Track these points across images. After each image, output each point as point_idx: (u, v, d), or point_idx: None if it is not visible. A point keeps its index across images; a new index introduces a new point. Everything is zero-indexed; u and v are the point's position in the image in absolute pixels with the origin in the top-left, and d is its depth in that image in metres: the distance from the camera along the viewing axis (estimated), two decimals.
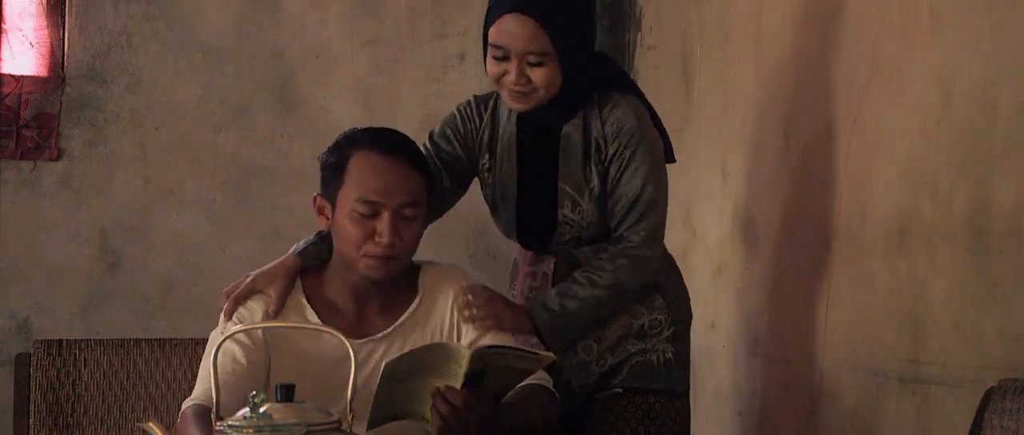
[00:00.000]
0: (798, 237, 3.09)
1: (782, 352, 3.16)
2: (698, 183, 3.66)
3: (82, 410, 2.72)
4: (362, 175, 2.36)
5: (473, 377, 2.16)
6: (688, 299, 2.76)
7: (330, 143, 2.47)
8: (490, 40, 2.51)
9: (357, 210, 2.36)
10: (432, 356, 2.13)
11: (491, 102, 2.68)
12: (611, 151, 2.56)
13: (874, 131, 2.78)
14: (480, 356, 2.13)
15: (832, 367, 2.92)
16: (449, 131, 2.68)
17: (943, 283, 2.53)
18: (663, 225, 2.61)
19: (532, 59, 2.48)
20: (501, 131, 2.66)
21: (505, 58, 2.49)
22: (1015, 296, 2.33)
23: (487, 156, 2.67)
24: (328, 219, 2.42)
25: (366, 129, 2.45)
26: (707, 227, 3.61)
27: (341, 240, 2.39)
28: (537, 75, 2.49)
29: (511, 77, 2.49)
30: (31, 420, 2.69)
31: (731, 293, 3.45)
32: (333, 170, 2.40)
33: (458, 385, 2.14)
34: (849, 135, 2.86)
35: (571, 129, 2.60)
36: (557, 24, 2.48)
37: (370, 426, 2.18)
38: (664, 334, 2.66)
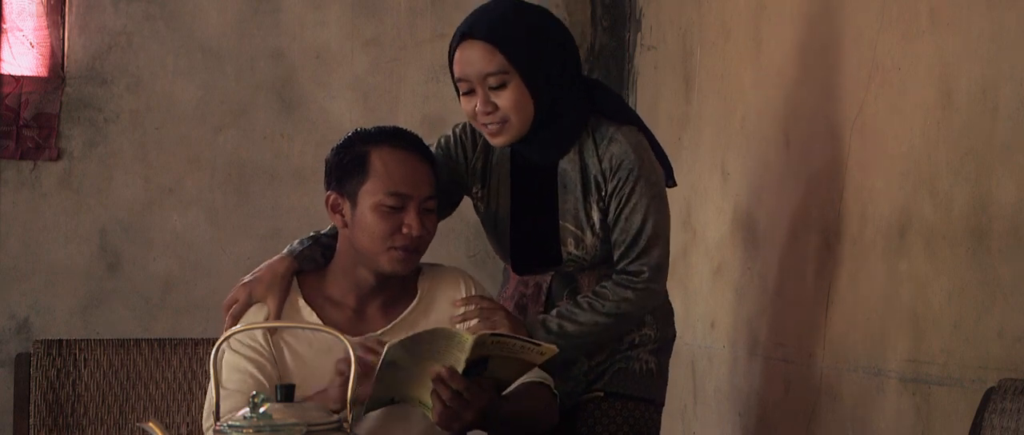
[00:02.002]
0: (798, 237, 3.09)
1: (782, 352, 3.16)
2: (698, 183, 3.66)
3: (82, 410, 2.72)
4: (388, 169, 2.38)
5: (475, 366, 2.16)
6: (673, 317, 2.75)
7: (335, 143, 2.47)
8: (454, 76, 2.50)
9: (385, 204, 2.37)
10: (435, 340, 2.14)
11: None
12: (610, 188, 2.54)
13: (874, 131, 2.78)
14: (483, 343, 2.13)
15: (832, 367, 2.92)
16: (440, 156, 2.63)
17: (943, 283, 2.53)
18: (667, 256, 2.59)
19: (492, 82, 2.46)
20: (495, 161, 2.63)
21: (471, 91, 2.48)
22: (1015, 296, 2.33)
23: (480, 185, 2.65)
24: (343, 217, 2.42)
25: (378, 127, 2.47)
26: (707, 227, 3.61)
27: (363, 235, 2.39)
28: (503, 99, 2.47)
29: (479, 107, 2.47)
30: (31, 420, 2.69)
31: (731, 293, 3.45)
32: (352, 167, 2.40)
33: (460, 370, 2.15)
34: (849, 135, 2.86)
35: (567, 165, 2.57)
36: (508, 40, 2.46)
37: (368, 409, 2.19)
38: (649, 347, 2.66)
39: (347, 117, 4.07)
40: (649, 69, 4.06)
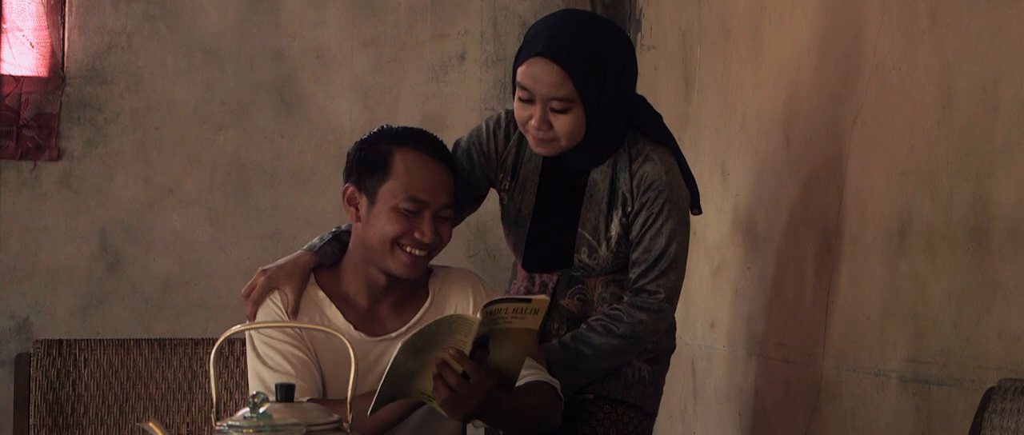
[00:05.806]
0: (798, 237, 3.09)
1: (782, 352, 3.16)
2: (698, 183, 3.65)
3: (82, 410, 2.72)
4: (410, 173, 2.38)
5: (476, 349, 2.14)
6: (674, 330, 2.75)
7: (360, 137, 2.47)
8: (517, 80, 2.47)
9: (402, 206, 2.37)
10: (439, 332, 2.11)
11: None
12: (638, 206, 2.55)
13: (874, 131, 2.78)
14: (490, 315, 2.09)
15: (832, 367, 2.92)
16: (474, 150, 2.64)
17: (943, 283, 2.53)
18: (682, 280, 2.62)
19: (556, 105, 2.45)
20: (526, 157, 2.62)
21: (530, 101, 2.46)
22: (1015, 296, 2.33)
23: (509, 178, 2.64)
24: (358, 211, 2.42)
25: (405, 128, 2.46)
26: (707, 227, 3.61)
27: (375, 232, 2.39)
28: (560, 122, 2.46)
29: (534, 121, 2.46)
30: (31, 420, 2.69)
31: (731, 293, 3.45)
32: (374, 164, 2.40)
33: (467, 352, 2.12)
34: (849, 135, 2.86)
35: (599, 176, 2.57)
36: (583, 71, 2.44)
37: (374, 410, 2.17)
38: (645, 355, 2.66)
39: (347, 117, 4.07)
40: (649, 69, 4.06)
